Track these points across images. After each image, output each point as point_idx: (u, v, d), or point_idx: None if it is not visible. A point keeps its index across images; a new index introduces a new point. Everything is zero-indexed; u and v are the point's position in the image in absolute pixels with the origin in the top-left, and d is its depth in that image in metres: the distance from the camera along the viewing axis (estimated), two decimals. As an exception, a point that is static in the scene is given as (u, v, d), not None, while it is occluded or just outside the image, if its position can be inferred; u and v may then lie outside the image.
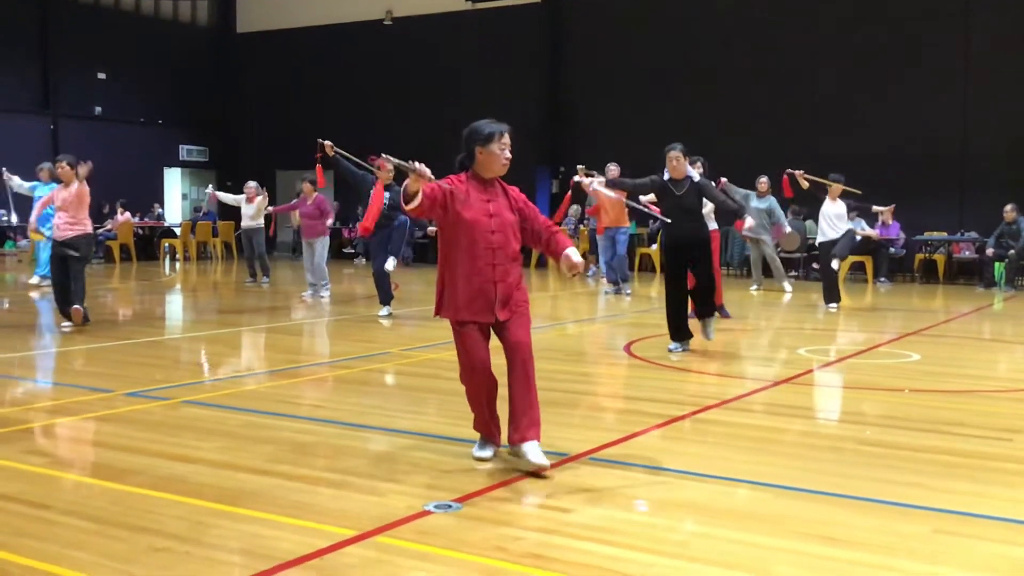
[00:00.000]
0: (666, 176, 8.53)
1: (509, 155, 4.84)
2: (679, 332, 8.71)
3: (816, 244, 13.34)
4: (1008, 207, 16.31)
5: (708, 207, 10.21)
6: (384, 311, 11.36)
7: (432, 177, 4.64)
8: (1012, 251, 16.28)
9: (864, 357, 8.91)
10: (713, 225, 10.77)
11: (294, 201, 14.31)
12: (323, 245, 13.81)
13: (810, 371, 8.07)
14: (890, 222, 17.83)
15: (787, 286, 15.25)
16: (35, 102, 23.11)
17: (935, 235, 18.18)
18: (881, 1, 18.86)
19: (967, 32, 18.17)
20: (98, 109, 24.13)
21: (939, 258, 18.12)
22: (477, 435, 5.09)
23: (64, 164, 10.20)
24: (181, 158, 26.34)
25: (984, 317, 12.68)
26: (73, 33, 23.39)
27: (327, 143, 11.40)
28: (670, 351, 8.65)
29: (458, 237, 4.80)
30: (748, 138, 18.94)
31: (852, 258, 17.37)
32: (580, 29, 22.01)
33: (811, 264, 18.20)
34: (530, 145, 20.65)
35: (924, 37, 18.43)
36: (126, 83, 24.48)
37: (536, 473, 4.65)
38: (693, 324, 8.89)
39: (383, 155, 5.44)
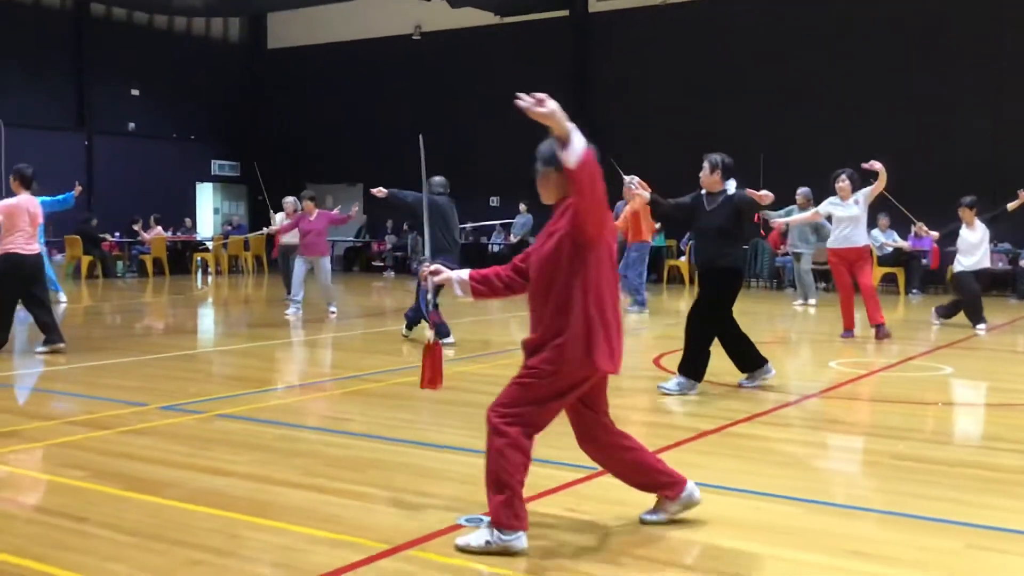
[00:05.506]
0: (703, 192, 7.47)
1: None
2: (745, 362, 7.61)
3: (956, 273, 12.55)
4: (1042, 218, 16.12)
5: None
6: None
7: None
8: (1046, 262, 16.11)
9: (896, 370, 8.85)
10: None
11: (295, 218, 13.74)
12: (326, 262, 13.33)
13: (841, 384, 8.02)
14: (923, 235, 17.64)
15: (812, 301, 14.93)
16: (70, 119, 23.42)
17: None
18: (904, 19, 18.77)
19: (998, 41, 18.03)
20: (132, 125, 24.43)
21: (972, 269, 17.89)
22: None
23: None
24: (213, 173, 26.62)
25: (1017, 329, 12.54)
26: (107, 50, 23.70)
27: (379, 191, 10.50)
28: (741, 386, 7.66)
29: (603, 260, 3.79)
30: (780, 151, 18.77)
31: (884, 270, 17.26)
32: (608, 42, 22.03)
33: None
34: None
35: (955, 47, 18.30)
36: (159, 99, 24.77)
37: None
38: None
39: None
